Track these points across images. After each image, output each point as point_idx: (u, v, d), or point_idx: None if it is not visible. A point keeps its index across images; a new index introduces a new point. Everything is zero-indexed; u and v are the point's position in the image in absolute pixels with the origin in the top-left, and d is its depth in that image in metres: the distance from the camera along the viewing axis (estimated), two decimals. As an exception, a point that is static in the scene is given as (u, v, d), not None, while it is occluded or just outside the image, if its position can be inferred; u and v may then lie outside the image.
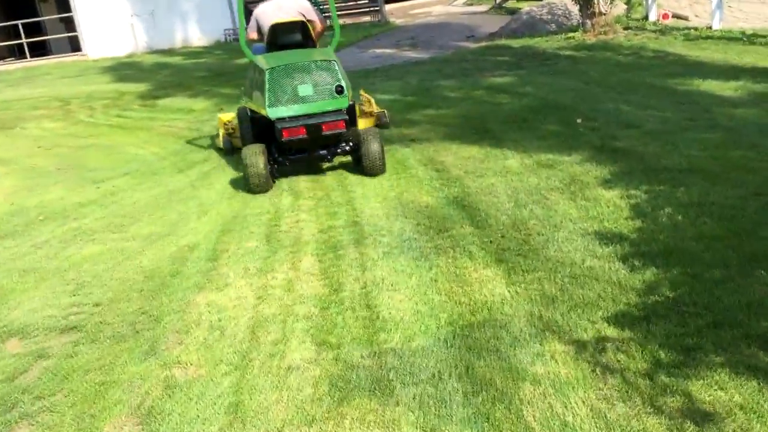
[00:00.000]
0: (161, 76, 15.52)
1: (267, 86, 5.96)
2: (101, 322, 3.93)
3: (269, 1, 6.95)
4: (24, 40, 22.07)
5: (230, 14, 20.71)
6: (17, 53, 23.78)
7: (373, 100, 7.70)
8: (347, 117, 6.09)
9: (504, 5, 19.83)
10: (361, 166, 6.24)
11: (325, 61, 6.13)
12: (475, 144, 6.78)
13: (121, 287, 4.40)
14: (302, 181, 6.35)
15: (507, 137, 6.86)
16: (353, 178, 6.25)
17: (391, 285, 3.95)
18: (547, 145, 6.41)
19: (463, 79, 10.47)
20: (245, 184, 6.13)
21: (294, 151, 6.25)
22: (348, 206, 5.48)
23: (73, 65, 19.94)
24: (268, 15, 6.82)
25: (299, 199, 5.86)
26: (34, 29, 24.38)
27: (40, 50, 24.83)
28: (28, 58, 22.19)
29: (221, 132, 7.70)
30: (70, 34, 22.27)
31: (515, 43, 13.22)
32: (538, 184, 5.37)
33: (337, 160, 6.64)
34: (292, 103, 6.00)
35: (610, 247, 4.10)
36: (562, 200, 4.98)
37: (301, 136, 5.95)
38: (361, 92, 7.98)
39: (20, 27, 22.06)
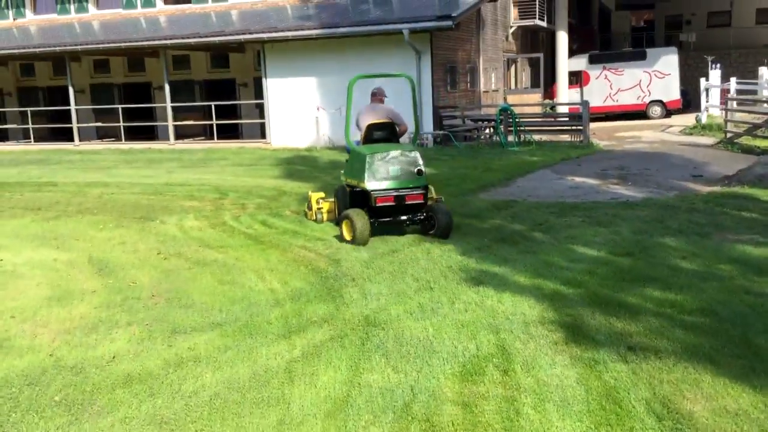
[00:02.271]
0: (331, 176, 14.09)
1: (366, 167, 8.08)
2: None
3: (367, 106, 9.37)
4: (214, 122, 22.17)
5: (419, 118, 19.31)
6: (208, 133, 24.07)
7: (432, 189, 8.76)
8: (425, 191, 8.29)
9: (736, 141, 16.64)
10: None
11: (410, 150, 8.33)
12: (743, 380, 4.10)
13: None
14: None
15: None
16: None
17: None
18: None
19: (698, 240, 7.72)
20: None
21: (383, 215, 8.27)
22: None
23: (253, 152, 19.40)
24: (365, 116, 9.10)
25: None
26: (231, 112, 24.76)
27: (233, 132, 25.15)
28: (215, 140, 22.20)
29: (314, 207, 9.62)
30: (260, 121, 22.09)
31: (763, 194, 10.19)
32: None
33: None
34: (385, 179, 8.16)
35: None
36: None
37: (389, 203, 8.14)
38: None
39: (212, 108, 22.23)
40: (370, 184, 8.07)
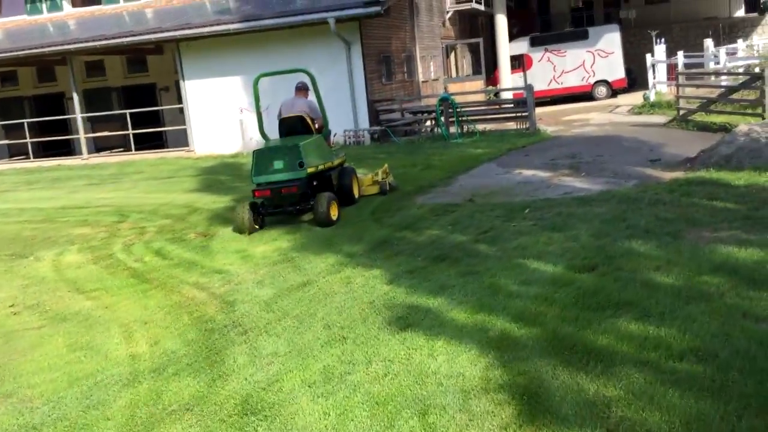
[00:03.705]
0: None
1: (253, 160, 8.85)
2: None
3: (287, 100, 9.69)
4: (130, 131, 20.30)
5: (353, 113, 17.86)
6: (129, 144, 22.16)
7: (386, 170, 10.20)
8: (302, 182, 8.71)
9: (690, 118, 15.59)
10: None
11: (294, 145, 8.75)
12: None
13: None
14: None
15: None
16: None
17: None
18: None
19: (670, 242, 6.42)
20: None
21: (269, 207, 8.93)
22: None
23: (173, 163, 17.66)
24: (280, 112, 9.65)
25: None
26: (154, 119, 22.88)
27: (157, 141, 23.25)
28: (133, 151, 20.34)
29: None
30: (184, 127, 20.27)
31: (734, 178, 8.99)
32: None
33: None
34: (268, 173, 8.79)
35: None
36: None
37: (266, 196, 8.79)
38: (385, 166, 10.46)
39: (128, 116, 20.36)
40: (255, 178, 8.85)
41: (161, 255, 7.87)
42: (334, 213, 8.67)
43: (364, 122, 18.01)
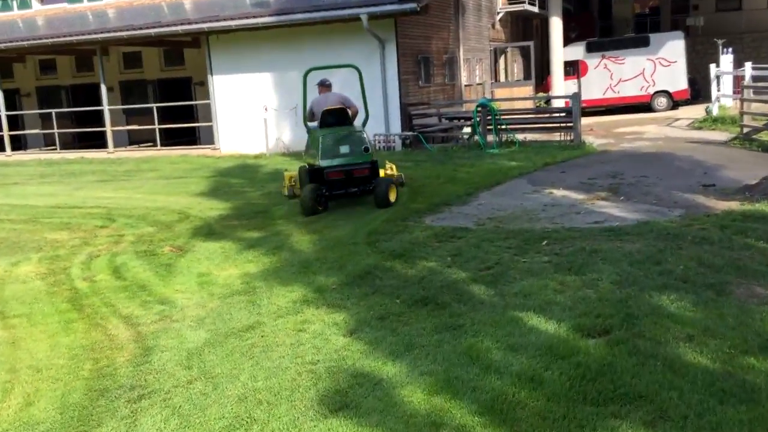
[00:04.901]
0: (260, 193, 11.55)
1: (320, 146, 9.40)
2: None
3: (318, 97, 10.30)
4: (156, 126, 19.62)
5: (384, 116, 16.72)
6: (163, 138, 21.49)
7: (395, 167, 10.74)
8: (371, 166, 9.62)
9: (755, 137, 13.92)
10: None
11: (359, 131, 9.75)
12: None
13: None
14: None
15: None
16: None
17: None
18: None
19: (711, 300, 5.10)
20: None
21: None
22: None
23: (193, 161, 16.86)
24: (318, 105, 10.11)
25: None
26: (188, 114, 22.21)
27: (191, 137, 22.57)
28: (158, 146, 19.67)
29: (286, 183, 10.56)
30: (210, 124, 19.48)
31: (803, 214, 7.53)
32: None
33: None
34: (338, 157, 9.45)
35: None
36: None
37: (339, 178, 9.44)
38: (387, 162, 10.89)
39: (154, 110, 19.69)
40: (326, 161, 9.36)
41: (117, 273, 6.89)
42: (392, 195, 9.53)
43: (396, 127, 16.86)
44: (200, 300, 5.84)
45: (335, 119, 9.83)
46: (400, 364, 4.27)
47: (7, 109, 22.39)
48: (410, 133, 16.75)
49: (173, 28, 17.74)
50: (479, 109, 16.37)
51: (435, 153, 15.51)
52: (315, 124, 10.07)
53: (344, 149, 9.52)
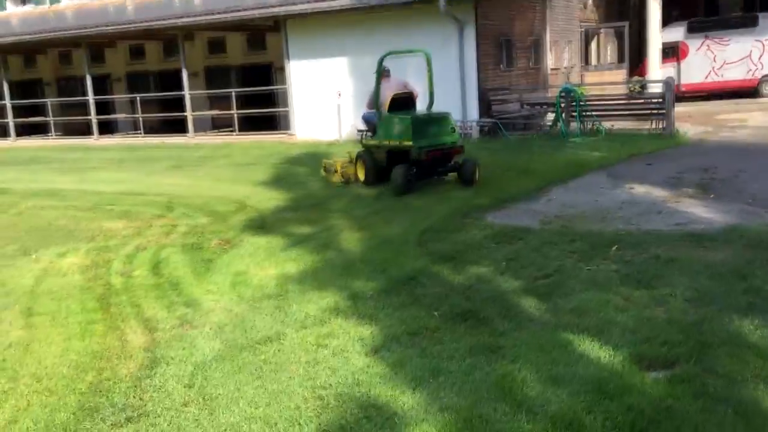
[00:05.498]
0: (322, 183, 11.19)
1: (412, 129, 9.66)
2: None
3: (384, 82, 10.58)
4: (234, 112, 19.64)
5: (461, 102, 16.02)
6: (247, 124, 21.54)
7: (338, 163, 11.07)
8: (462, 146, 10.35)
9: None
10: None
11: (445, 114, 10.35)
12: None
13: None
14: None
15: None
16: None
17: None
18: None
19: (805, 330, 4.28)
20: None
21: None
22: None
23: (266, 147, 16.73)
24: (384, 91, 10.44)
25: None
26: (268, 100, 22.19)
27: (272, 123, 22.56)
28: (236, 132, 19.69)
29: (338, 170, 10.94)
30: (287, 110, 19.32)
31: None
32: None
33: None
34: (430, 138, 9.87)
35: None
36: None
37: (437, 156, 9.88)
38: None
39: (233, 96, 19.70)
40: (421, 142, 9.66)
41: (156, 269, 6.64)
42: (477, 174, 9.99)
43: (474, 113, 16.14)
44: (228, 303, 5.48)
45: (403, 104, 10.33)
46: (421, 394, 3.73)
47: (99, 93, 23.08)
48: (488, 120, 15.99)
49: (250, 12, 17.64)
50: (562, 95, 15.42)
51: (513, 141, 14.72)
52: (373, 112, 10.64)
53: (434, 131, 9.92)
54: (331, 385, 3.89)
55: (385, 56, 10.43)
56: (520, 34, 18.24)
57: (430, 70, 10.46)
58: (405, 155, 9.80)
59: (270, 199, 10.00)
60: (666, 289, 5.18)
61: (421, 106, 10.84)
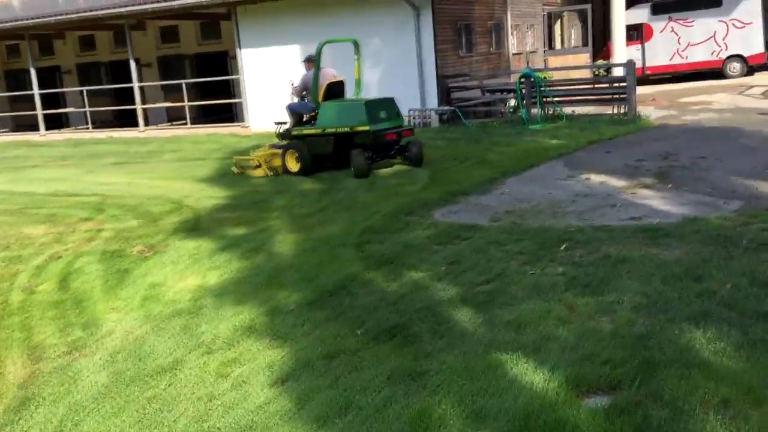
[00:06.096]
0: (267, 179, 10.60)
1: (365, 112, 9.81)
2: None
3: (309, 72, 10.65)
4: (186, 104, 18.89)
5: (420, 89, 15.48)
6: (201, 116, 20.78)
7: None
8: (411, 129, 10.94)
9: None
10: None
11: (391, 99, 10.53)
12: None
13: None
14: None
15: None
16: None
17: None
18: None
19: (762, 342, 3.83)
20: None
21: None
22: None
23: (218, 140, 16.05)
24: (318, 78, 10.33)
25: None
26: (224, 89, 21.45)
27: (228, 114, 21.83)
28: (189, 125, 18.96)
29: (258, 161, 10.74)
30: (240, 100, 18.62)
31: None
32: None
33: None
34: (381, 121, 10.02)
35: None
36: None
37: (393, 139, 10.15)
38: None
39: (184, 87, 18.95)
40: (376, 126, 9.84)
41: (64, 282, 6.04)
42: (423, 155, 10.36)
43: (433, 101, 15.61)
44: (131, 323, 4.90)
45: (337, 92, 10.57)
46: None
47: (48, 86, 22.14)
48: (447, 108, 15.46)
49: (197, 0, 16.84)
50: (522, 80, 14.95)
51: (473, 129, 14.23)
52: (297, 101, 11.06)
53: (383, 114, 10.08)
54: (219, 428, 3.35)
55: (322, 44, 10.37)
56: (479, 18, 17.71)
57: (358, 58, 10.98)
58: (352, 140, 9.97)
59: (210, 198, 9.41)
60: (613, 295, 4.71)
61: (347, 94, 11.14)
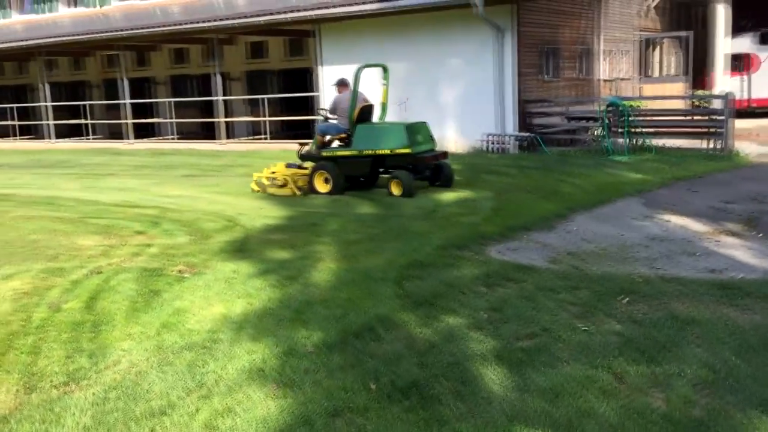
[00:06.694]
0: (331, 199, 10.32)
1: (406, 135, 10.13)
2: None
3: (343, 95, 11.06)
4: (266, 119, 18.99)
5: (497, 114, 14.90)
6: (283, 130, 20.84)
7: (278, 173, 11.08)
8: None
9: None
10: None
11: (425, 123, 10.87)
12: None
13: None
14: None
15: None
16: None
17: None
18: None
19: None
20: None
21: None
22: None
23: (290, 156, 15.89)
24: (348, 101, 10.75)
25: None
26: (304, 106, 21.52)
27: (307, 130, 21.85)
28: (267, 139, 19.03)
29: (290, 181, 10.86)
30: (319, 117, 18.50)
31: None
32: None
33: None
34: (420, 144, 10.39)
35: None
36: None
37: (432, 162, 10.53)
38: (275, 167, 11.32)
39: (264, 102, 19.04)
40: (415, 148, 10.15)
41: (92, 300, 5.84)
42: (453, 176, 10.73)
43: (510, 126, 14.99)
44: (140, 354, 4.61)
45: (367, 115, 10.94)
46: None
47: (140, 97, 22.84)
48: (527, 134, 14.81)
49: (282, 16, 16.94)
50: (609, 108, 14.14)
51: (551, 158, 13.52)
52: (329, 122, 11.17)
53: (420, 138, 10.37)
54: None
55: (361, 69, 10.75)
56: (566, 42, 16.97)
57: (386, 83, 11.42)
58: (384, 162, 10.39)
59: (264, 217, 9.16)
60: (673, 366, 4.06)
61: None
